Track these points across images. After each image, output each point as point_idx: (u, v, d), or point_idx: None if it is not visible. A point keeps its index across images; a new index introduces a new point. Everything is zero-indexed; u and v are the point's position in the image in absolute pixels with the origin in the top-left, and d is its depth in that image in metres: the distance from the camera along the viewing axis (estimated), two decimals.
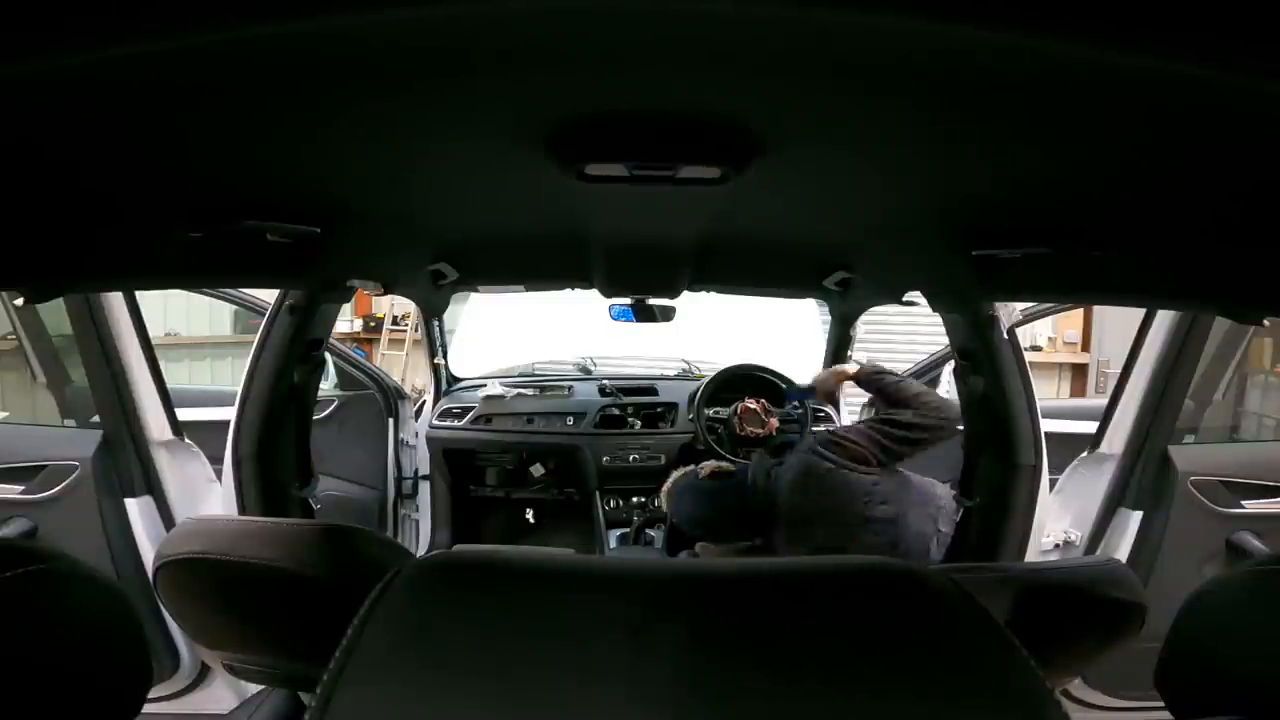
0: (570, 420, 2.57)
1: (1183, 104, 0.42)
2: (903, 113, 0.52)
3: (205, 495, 1.86)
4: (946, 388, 2.62)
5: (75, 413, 2.04)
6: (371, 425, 2.60)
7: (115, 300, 1.68)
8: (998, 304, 1.46)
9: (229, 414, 1.62)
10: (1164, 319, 1.78)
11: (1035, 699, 0.36)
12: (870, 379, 1.79)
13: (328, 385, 2.54)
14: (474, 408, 2.58)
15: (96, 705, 0.54)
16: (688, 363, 2.95)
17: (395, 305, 5.72)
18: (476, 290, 2.14)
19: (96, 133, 0.53)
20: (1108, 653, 0.92)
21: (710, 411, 2.45)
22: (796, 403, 2.46)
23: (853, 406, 2.76)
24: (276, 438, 1.60)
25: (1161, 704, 0.67)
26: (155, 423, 1.78)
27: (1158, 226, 0.76)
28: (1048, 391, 5.28)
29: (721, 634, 0.39)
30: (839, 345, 2.50)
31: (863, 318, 2.36)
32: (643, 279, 1.69)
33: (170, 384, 1.82)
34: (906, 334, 4.70)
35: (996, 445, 1.59)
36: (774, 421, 2.40)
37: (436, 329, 2.53)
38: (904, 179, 0.76)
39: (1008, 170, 0.68)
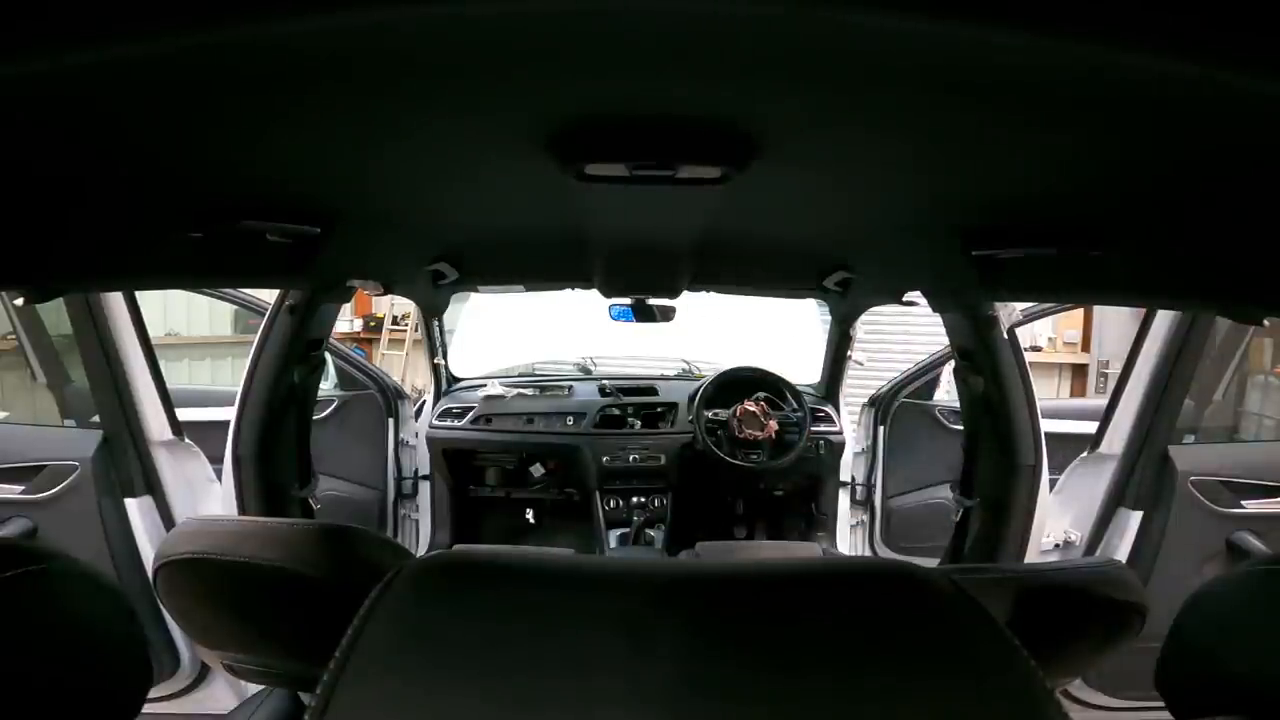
0: (570, 420, 2.57)
1: (1183, 103, 0.42)
2: (902, 113, 0.52)
3: (205, 495, 1.86)
4: (946, 388, 2.63)
5: (75, 413, 2.05)
6: (371, 425, 2.60)
7: (115, 300, 1.68)
8: (998, 304, 1.46)
9: (229, 414, 1.62)
10: (1164, 319, 1.78)
11: (1035, 699, 0.36)
12: None
13: (328, 385, 2.54)
14: (474, 408, 2.58)
15: (96, 705, 0.54)
16: (688, 363, 2.95)
17: (395, 305, 5.72)
18: (476, 290, 2.14)
19: (96, 133, 0.53)
20: (1108, 653, 0.92)
21: (710, 413, 2.44)
22: (796, 405, 2.46)
23: (853, 408, 2.76)
24: (276, 438, 1.60)
25: (1161, 704, 0.67)
26: (155, 423, 1.78)
27: (1158, 226, 0.76)
28: (1048, 391, 5.28)
29: (721, 633, 0.39)
30: (839, 345, 2.50)
31: (859, 318, 2.36)
32: (642, 279, 1.69)
33: (170, 384, 1.82)
34: (901, 335, 4.70)
35: (996, 445, 1.59)
36: (773, 424, 2.40)
37: (436, 329, 2.52)
38: (904, 179, 0.75)
39: (1008, 170, 0.68)
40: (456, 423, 2.57)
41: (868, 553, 2.62)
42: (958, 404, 1.87)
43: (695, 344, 2.91)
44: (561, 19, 0.37)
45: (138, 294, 1.74)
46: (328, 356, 2.13)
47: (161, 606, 0.94)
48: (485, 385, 2.67)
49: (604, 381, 2.72)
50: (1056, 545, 1.91)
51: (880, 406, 2.65)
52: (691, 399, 2.53)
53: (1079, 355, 5.44)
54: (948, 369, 2.50)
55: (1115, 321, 5.08)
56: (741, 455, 2.39)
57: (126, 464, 1.76)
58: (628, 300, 2.15)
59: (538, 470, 2.68)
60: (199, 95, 0.46)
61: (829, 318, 2.44)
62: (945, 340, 1.77)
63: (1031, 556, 1.63)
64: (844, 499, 2.66)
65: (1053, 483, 1.84)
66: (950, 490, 1.93)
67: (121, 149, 0.59)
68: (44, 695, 0.50)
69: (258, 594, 0.84)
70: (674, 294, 1.89)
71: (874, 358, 4.10)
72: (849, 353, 2.51)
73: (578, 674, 0.36)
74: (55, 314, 2.01)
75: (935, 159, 0.66)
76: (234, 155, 0.66)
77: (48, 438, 1.83)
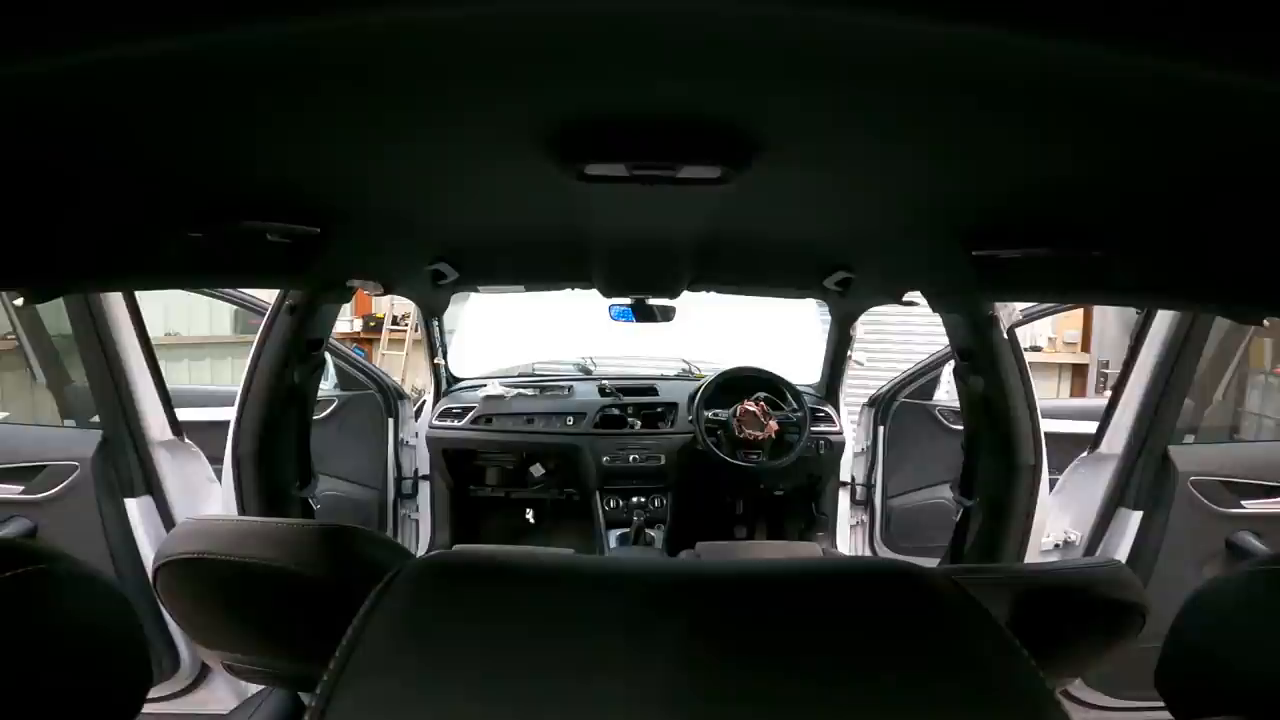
0: (570, 420, 2.57)
1: (1183, 104, 0.42)
2: (902, 113, 0.52)
3: (205, 495, 1.86)
4: (946, 388, 2.63)
5: (75, 413, 2.05)
6: (371, 425, 2.60)
7: (115, 300, 1.68)
8: (998, 304, 1.46)
9: (229, 414, 1.62)
10: (1164, 319, 1.78)
11: (1035, 699, 0.36)
12: None
13: (328, 385, 2.54)
14: (474, 408, 2.58)
15: (96, 705, 0.54)
16: (688, 363, 2.95)
17: (395, 305, 5.72)
18: (476, 290, 2.14)
19: (96, 133, 0.53)
20: (1108, 653, 0.92)
21: (710, 413, 2.44)
22: (796, 405, 2.46)
23: (853, 408, 2.76)
24: (276, 438, 1.60)
25: (1161, 704, 0.67)
26: (155, 423, 1.78)
27: (1158, 226, 0.76)
28: (1048, 391, 5.28)
29: (721, 633, 0.39)
30: (839, 345, 2.50)
31: (859, 318, 2.36)
32: (642, 279, 1.69)
33: (170, 384, 1.82)
34: (902, 335, 4.71)
35: (996, 445, 1.59)
36: (773, 424, 2.40)
37: (436, 329, 2.53)
38: (904, 179, 0.75)
39: (1008, 170, 0.68)
40: (456, 423, 2.57)
41: (868, 553, 2.62)
42: (958, 404, 1.87)
43: (695, 344, 2.91)
44: (561, 20, 0.37)
45: (138, 294, 1.74)
46: (328, 356, 2.13)
47: (161, 606, 0.94)
48: (485, 385, 2.67)
49: (604, 381, 2.72)
50: (1056, 545, 1.91)
51: (880, 406, 2.65)
52: (691, 399, 2.52)
53: (1079, 355, 5.45)
54: (948, 369, 2.50)
55: (1115, 321, 5.08)
56: (741, 455, 2.39)
57: (126, 464, 1.76)
58: (628, 300, 2.15)
59: (538, 470, 2.68)
60: (200, 95, 0.46)
61: (829, 318, 2.44)
62: (945, 340, 1.77)
63: (1031, 556, 1.63)
64: (844, 499, 2.66)
65: (1053, 483, 1.84)
66: (950, 490, 1.93)
67: (121, 149, 0.59)
68: (44, 695, 0.50)
69: (258, 594, 0.84)
70: (674, 294, 1.89)
71: (874, 358, 4.10)
72: (849, 353, 2.51)
73: (578, 674, 0.36)
74: (55, 314, 2.01)
75: (935, 159, 0.66)
76: (234, 155, 0.66)
77: (48, 438, 1.83)
